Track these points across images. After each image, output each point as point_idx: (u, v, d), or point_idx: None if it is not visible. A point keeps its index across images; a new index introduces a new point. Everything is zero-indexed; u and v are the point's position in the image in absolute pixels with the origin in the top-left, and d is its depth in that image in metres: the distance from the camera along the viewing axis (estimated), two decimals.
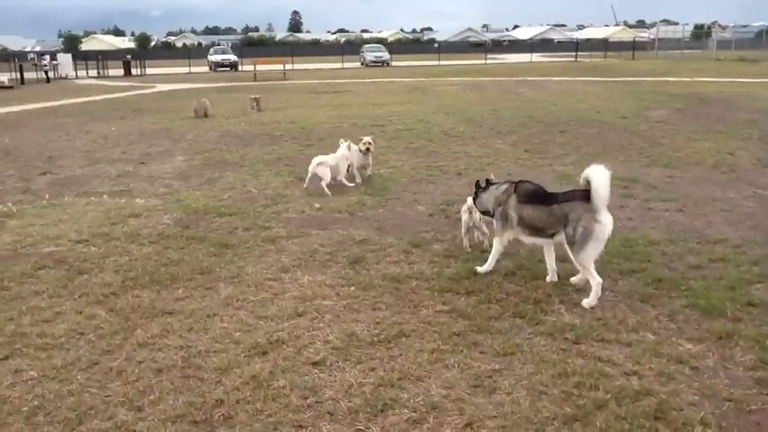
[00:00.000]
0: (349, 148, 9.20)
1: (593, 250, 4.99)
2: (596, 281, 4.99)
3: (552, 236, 5.25)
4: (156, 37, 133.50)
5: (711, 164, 10.26)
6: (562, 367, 4.05)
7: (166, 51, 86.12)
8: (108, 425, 3.59)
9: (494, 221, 5.67)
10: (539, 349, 4.31)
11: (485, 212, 5.83)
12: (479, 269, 5.65)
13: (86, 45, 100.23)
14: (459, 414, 3.62)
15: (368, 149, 9.34)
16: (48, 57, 42.50)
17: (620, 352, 4.27)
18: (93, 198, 8.79)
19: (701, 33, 71.77)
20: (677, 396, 3.75)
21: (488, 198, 5.70)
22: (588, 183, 4.92)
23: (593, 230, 4.92)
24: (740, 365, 4.09)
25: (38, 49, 75.59)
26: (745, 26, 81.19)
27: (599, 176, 4.90)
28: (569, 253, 5.09)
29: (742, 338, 4.39)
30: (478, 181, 5.98)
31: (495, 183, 5.80)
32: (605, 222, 4.94)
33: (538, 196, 5.37)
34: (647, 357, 4.18)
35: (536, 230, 5.34)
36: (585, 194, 4.94)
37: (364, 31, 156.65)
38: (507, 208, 5.44)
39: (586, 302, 4.98)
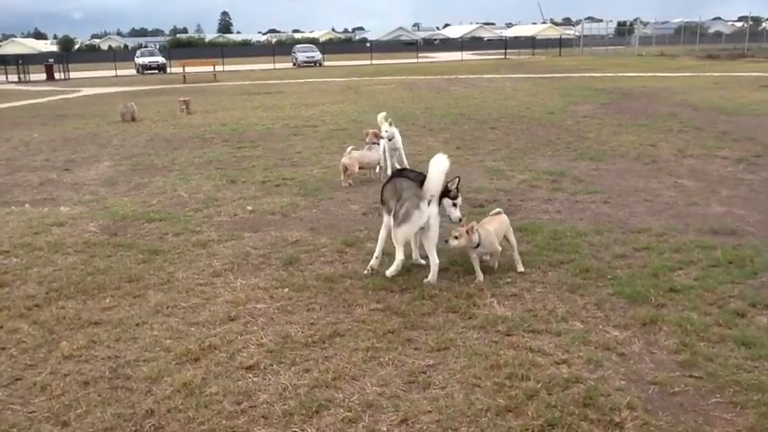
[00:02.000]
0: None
1: (407, 230, 5.39)
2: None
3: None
4: (80, 40, 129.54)
5: (635, 156, 10.61)
6: (494, 359, 4.11)
7: (91, 54, 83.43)
8: None
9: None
10: (471, 343, 4.37)
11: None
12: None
13: (5, 49, 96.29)
14: (394, 411, 3.63)
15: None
16: None
17: (550, 342, 4.36)
18: (14, 207, 8.45)
19: (624, 30, 73.98)
20: (605, 382, 3.86)
21: None
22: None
23: (411, 214, 5.30)
24: (664, 349, 4.23)
25: None
26: (665, 22, 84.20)
27: (434, 167, 5.31)
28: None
29: (665, 323, 4.55)
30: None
31: None
32: (424, 211, 5.30)
33: (395, 175, 5.88)
34: (576, 346, 4.29)
35: (385, 206, 5.66)
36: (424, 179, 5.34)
37: (296, 31, 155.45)
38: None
39: (424, 280, 5.40)
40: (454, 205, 5.69)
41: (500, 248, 5.64)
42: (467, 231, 5.34)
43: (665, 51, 52.26)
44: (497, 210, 6.00)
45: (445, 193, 5.58)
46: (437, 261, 5.41)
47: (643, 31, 71.29)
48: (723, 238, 6.33)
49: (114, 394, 3.89)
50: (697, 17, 61.26)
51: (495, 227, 5.65)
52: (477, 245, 5.42)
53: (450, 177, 5.60)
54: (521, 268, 5.61)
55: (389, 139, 9.47)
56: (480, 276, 5.45)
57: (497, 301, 5.02)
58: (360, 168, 9.30)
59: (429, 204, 5.35)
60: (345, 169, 9.12)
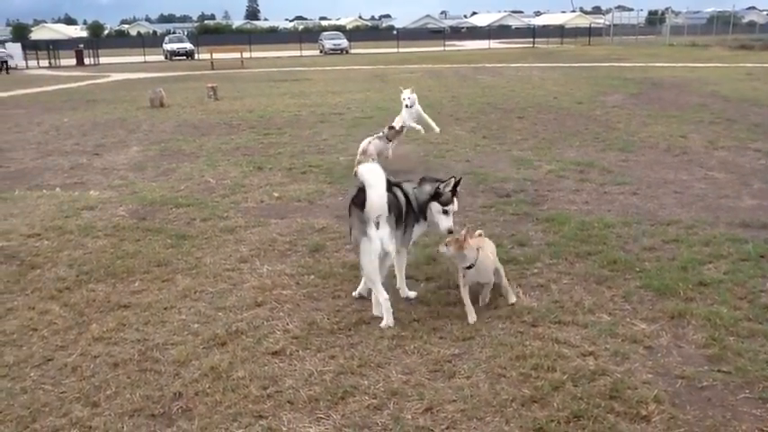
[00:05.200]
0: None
1: (364, 262, 4.48)
2: (381, 298, 4.49)
3: None
4: (110, 25, 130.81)
5: (665, 147, 10.46)
6: (520, 350, 4.10)
7: (120, 40, 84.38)
8: (63, 421, 3.52)
9: None
10: (497, 333, 4.36)
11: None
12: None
13: (36, 34, 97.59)
14: (419, 399, 3.64)
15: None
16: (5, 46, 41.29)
17: (576, 333, 4.33)
18: (45, 191, 8.59)
19: (655, 19, 72.88)
20: (632, 375, 3.83)
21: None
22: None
23: (359, 243, 4.45)
24: (692, 343, 4.19)
25: None
26: (697, 12, 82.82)
27: (371, 183, 4.33)
28: None
29: (694, 317, 4.50)
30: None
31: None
32: (373, 238, 4.37)
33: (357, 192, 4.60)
34: (603, 338, 4.26)
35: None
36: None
37: (323, 18, 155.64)
38: None
39: (383, 324, 4.47)
40: (445, 213, 4.72)
41: (494, 280, 4.74)
42: (458, 240, 4.48)
43: (696, 41, 51.35)
44: (479, 232, 5.01)
45: (435, 196, 4.74)
46: (385, 296, 4.47)
47: (674, 20, 70.06)
48: (754, 232, 6.23)
49: (143, 376, 3.95)
50: (730, 6, 60.12)
51: (490, 251, 4.72)
52: (471, 266, 4.51)
53: (463, 173, 5.46)
54: (513, 299, 4.77)
55: (409, 106, 10.53)
56: (471, 317, 4.50)
57: (523, 292, 4.99)
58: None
59: (378, 227, 4.37)
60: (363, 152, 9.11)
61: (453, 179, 4.75)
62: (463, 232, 4.50)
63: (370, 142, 9.03)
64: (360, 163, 8.75)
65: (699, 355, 4.05)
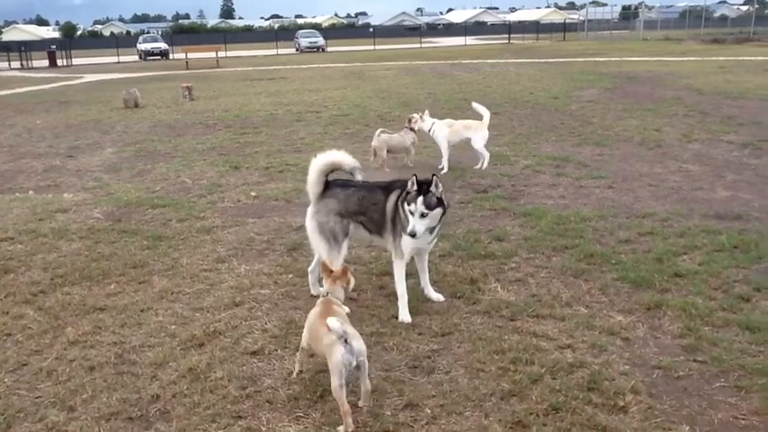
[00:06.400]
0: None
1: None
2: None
3: None
4: (82, 26, 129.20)
5: (639, 140, 10.56)
6: (498, 344, 4.12)
7: (93, 40, 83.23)
8: (38, 427, 3.48)
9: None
10: (475, 328, 4.37)
11: None
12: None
13: (7, 35, 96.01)
14: (398, 395, 3.64)
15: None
16: None
17: (554, 326, 4.36)
18: (18, 194, 8.47)
19: (628, 14, 73.44)
20: (609, 366, 3.86)
21: None
22: None
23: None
24: (668, 334, 4.23)
25: None
26: (670, 7, 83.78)
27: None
28: None
29: (669, 308, 4.55)
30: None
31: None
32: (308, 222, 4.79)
33: None
34: (580, 330, 4.29)
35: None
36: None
37: (298, 16, 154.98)
38: None
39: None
40: (411, 213, 4.30)
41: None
42: (333, 272, 3.89)
43: (669, 36, 51.87)
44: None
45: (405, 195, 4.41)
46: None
47: (648, 15, 70.75)
48: (728, 223, 6.31)
49: (120, 379, 3.90)
50: (702, 1, 60.62)
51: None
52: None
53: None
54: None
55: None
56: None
57: (501, 287, 5.02)
58: (388, 152, 9.23)
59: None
60: (375, 152, 9.18)
61: (415, 177, 4.32)
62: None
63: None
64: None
65: (675, 345, 4.10)
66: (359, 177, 4.81)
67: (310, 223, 4.79)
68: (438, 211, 4.34)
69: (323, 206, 4.76)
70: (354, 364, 3.33)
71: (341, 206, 4.73)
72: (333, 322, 3.29)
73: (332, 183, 4.82)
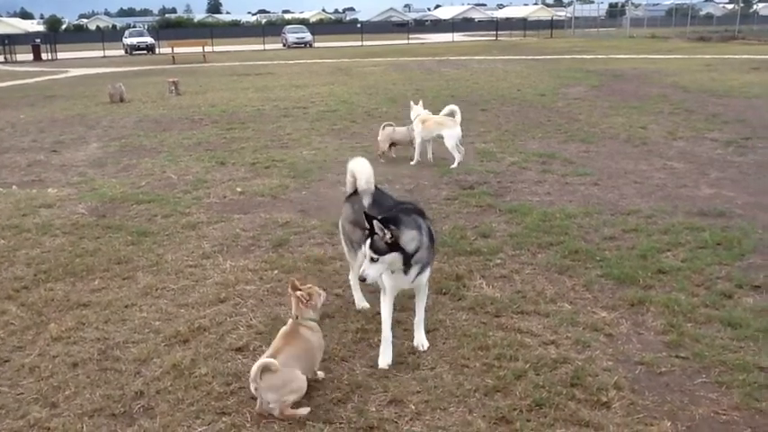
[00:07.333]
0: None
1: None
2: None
3: None
4: (68, 19, 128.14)
5: (625, 138, 10.62)
6: (483, 340, 4.13)
7: (79, 34, 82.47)
8: (20, 423, 3.45)
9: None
10: (460, 324, 4.39)
11: None
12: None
13: None
14: (383, 391, 3.65)
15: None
16: None
17: (538, 323, 4.38)
18: (1, 189, 8.39)
19: (615, 11, 73.88)
20: (592, 362, 3.88)
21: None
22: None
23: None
24: (651, 330, 4.27)
25: None
26: (657, 4, 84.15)
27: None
28: None
29: (653, 304, 4.58)
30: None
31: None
32: None
33: None
34: (565, 327, 4.31)
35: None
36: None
37: (286, 11, 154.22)
38: None
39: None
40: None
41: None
42: (299, 295, 3.74)
43: (656, 33, 52.12)
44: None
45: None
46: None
47: (634, 12, 71.07)
48: (711, 220, 6.36)
49: (103, 376, 3.89)
50: None
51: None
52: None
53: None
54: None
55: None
56: None
57: (486, 283, 5.03)
58: (393, 145, 9.43)
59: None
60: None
61: (364, 215, 3.76)
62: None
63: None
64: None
65: (658, 341, 4.13)
66: (365, 201, 4.29)
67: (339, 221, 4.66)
68: (392, 256, 3.69)
69: (345, 209, 4.59)
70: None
71: (356, 216, 4.37)
72: (266, 364, 3.37)
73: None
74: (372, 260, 3.69)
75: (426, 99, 15.93)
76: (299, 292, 3.75)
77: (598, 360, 3.92)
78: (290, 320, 3.77)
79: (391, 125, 9.46)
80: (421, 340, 4.12)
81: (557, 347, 4.06)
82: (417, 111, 9.19)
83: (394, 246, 3.68)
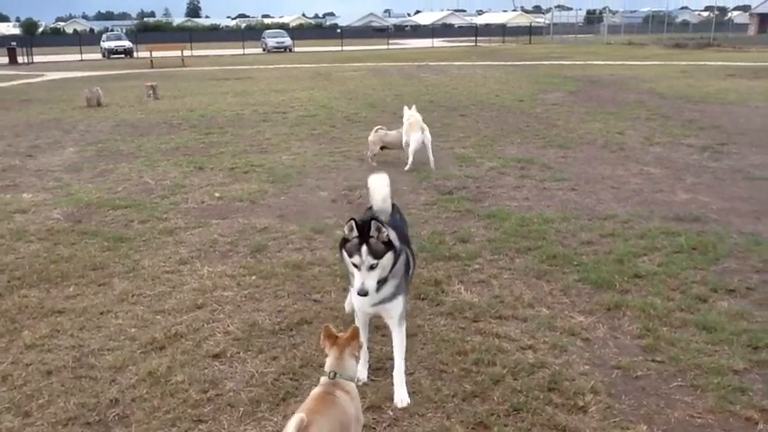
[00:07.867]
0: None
1: None
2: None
3: None
4: (44, 23, 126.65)
5: (602, 143, 10.71)
6: (461, 345, 4.14)
7: (56, 38, 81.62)
8: None
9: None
10: (439, 329, 4.39)
11: None
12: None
13: None
14: (361, 397, 3.62)
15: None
16: None
17: (516, 327, 4.40)
18: None
19: (593, 18, 74.62)
20: (570, 367, 3.91)
21: None
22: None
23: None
24: (627, 334, 4.30)
25: None
26: (634, 11, 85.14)
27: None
28: None
29: (629, 309, 4.62)
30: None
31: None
32: None
33: None
34: (542, 331, 4.33)
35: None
36: None
37: (265, 16, 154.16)
38: None
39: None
40: (356, 266, 3.45)
41: None
42: (338, 339, 3.00)
43: (633, 40, 52.75)
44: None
45: (342, 242, 3.57)
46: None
47: (612, 19, 71.91)
48: (687, 225, 6.43)
49: (78, 384, 3.84)
50: (665, 6, 61.88)
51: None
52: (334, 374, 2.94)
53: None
54: None
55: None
56: None
57: (465, 288, 5.05)
58: (382, 148, 9.50)
59: None
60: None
61: (353, 221, 3.49)
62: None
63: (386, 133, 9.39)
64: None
65: (634, 345, 4.16)
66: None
67: None
68: (388, 257, 3.49)
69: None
70: None
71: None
72: None
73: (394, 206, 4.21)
74: (372, 267, 3.43)
75: (405, 104, 16.00)
76: (341, 337, 2.98)
77: (575, 364, 3.94)
78: (324, 379, 2.95)
79: (383, 128, 9.49)
80: (401, 396, 3.62)
81: (534, 352, 4.07)
82: (409, 115, 9.25)
83: (388, 244, 3.49)
